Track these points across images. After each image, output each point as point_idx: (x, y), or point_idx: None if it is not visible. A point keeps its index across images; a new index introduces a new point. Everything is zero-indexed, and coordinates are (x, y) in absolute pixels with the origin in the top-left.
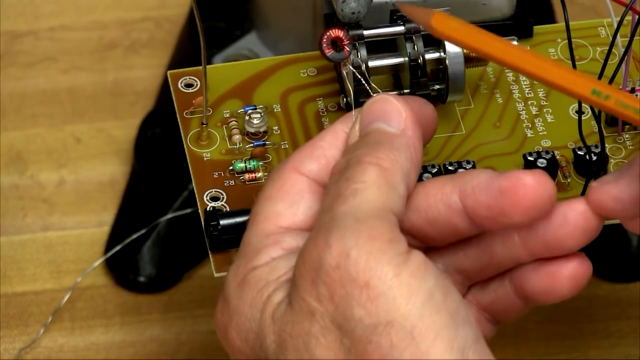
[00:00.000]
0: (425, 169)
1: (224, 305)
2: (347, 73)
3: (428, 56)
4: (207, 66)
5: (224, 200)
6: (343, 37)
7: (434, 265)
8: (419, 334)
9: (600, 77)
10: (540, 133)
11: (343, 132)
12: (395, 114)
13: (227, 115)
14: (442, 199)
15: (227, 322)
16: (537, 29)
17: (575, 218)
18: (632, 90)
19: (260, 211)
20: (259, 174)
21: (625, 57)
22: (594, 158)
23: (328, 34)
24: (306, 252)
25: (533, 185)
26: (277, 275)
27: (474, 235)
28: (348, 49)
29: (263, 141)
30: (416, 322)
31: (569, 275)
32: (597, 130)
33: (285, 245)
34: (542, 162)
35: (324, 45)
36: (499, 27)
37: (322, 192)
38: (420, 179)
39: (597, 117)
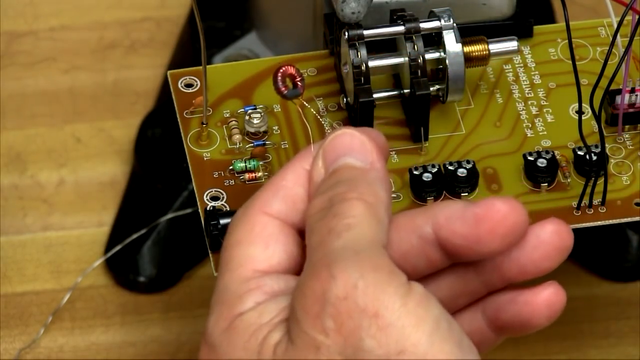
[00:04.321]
0: (425, 169)
1: (210, 352)
2: (346, 73)
3: (428, 56)
4: (207, 66)
5: (224, 200)
6: (295, 74)
7: (434, 296)
8: None
9: (600, 77)
10: (540, 133)
11: (304, 169)
12: (362, 147)
13: (227, 115)
14: (415, 231)
15: None
16: (537, 29)
17: (549, 237)
18: (632, 90)
19: (234, 256)
20: (259, 174)
21: (625, 57)
22: (594, 158)
23: (282, 71)
24: (307, 286)
25: (508, 211)
26: (269, 318)
27: (445, 267)
28: (301, 84)
29: (263, 141)
30: (427, 351)
31: (545, 302)
32: (597, 130)
33: (267, 289)
34: (542, 162)
35: (280, 83)
36: (499, 27)
37: (293, 232)
38: (420, 179)
39: (597, 117)
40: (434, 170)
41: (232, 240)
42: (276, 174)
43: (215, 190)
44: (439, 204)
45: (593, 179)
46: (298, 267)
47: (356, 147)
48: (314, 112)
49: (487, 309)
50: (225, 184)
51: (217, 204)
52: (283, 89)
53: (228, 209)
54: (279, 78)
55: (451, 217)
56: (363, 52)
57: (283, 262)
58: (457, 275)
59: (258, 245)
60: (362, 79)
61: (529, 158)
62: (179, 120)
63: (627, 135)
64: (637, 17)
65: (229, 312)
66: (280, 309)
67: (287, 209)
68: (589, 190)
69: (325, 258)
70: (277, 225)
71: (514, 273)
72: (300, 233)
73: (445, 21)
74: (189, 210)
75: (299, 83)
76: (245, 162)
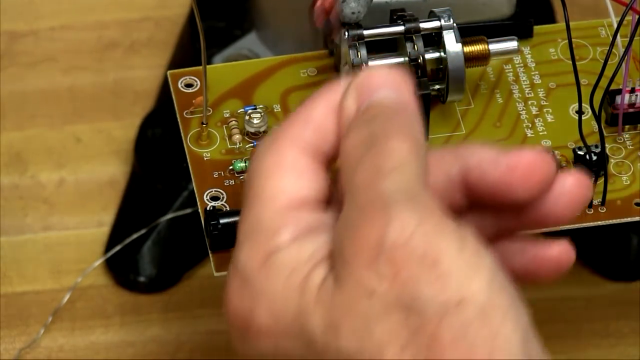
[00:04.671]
0: None
1: (244, 288)
2: (347, 73)
3: (428, 56)
4: (207, 66)
5: (224, 200)
6: (329, 8)
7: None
8: (489, 312)
9: (600, 77)
10: (540, 133)
11: (334, 101)
12: (397, 84)
13: (227, 115)
14: (443, 170)
15: (252, 305)
16: (537, 29)
17: (571, 188)
18: (632, 90)
19: (265, 187)
20: None
21: (625, 57)
22: (594, 158)
23: (319, 2)
24: (359, 229)
25: (541, 161)
26: (309, 255)
27: (463, 211)
28: (334, 20)
29: None
30: (486, 301)
31: (556, 257)
32: (597, 130)
33: (303, 223)
34: None
35: (318, 12)
36: (499, 27)
37: (322, 166)
38: None
39: (597, 117)
40: None
41: (262, 171)
42: (304, 106)
43: (215, 190)
44: (469, 146)
45: (593, 179)
46: (326, 202)
47: (391, 83)
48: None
49: (495, 255)
50: (225, 184)
51: (217, 204)
52: (322, 17)
53: (228, 209)
54: (317, 8)
55: (483, 162)
56: (363, 52)
57: (314, 196)
58: (474, 220)
59: (290, 177)
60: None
61: None
62: (179, 120)
63: (627, 135)
64: (637, 17)
65: (265, 246)
66: (319, 245)
67: (318, 142)
68: None
69: (379, 200)
70: (308, 158)
71: (533, 220)
72: (329, 167)
73: (445, 21)
74: (189, 210)
75: (332, 19)
76: (245, 162)
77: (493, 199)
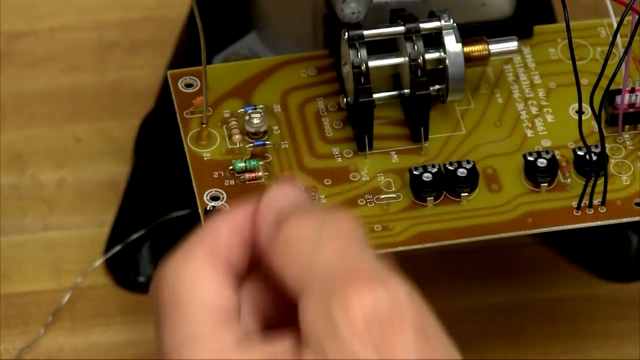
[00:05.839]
0: (425, 169)
1: None
2: (347, 73)
3: (428, 56)
4: (207, 66)
5: (224, 200)
6: None
7: None
8: None
9: (600, 77)
10: (540, 133)
11: (236, 223)
12: (302, 192)
13: (227, 115)
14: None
15: None
16: (537, 29)
17: None
18: (632, 90)
19: (190, 296)
20: (259, 174)
21: (625, 57)
22: (594, 158)
23: None
24: (348, 298)
25: None
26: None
27: None
28: None
29: (263, 141)
30: None
31: None
32: (597, 130)
33: (239, 331)
34: (542, 162)
35: None
36: (499, 27)
37: (233, 280)
38: (420, 179)
39: (597, 117)
40: (434, 170)
41: (180, 286)
42: (208, 229)
43: (215, 190)
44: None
45: (593, 179)
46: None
47: (297, 192)
48: None
49: None
50: (225, 184)
51: (217, 204)
52: None
53: (228, 209)
54: None
55: None
56: (363, 52)
57: (235, 308)
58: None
59: (212, 289)
60: (362, 79)
61: (529, 158)
62: (179, 120)
63: (627, 135)
64: (637, 17)
65: (212, 345)
66: (265, 349)
67: (226, 259)
68: (589, 190)
69: (363, 271)
70: (221, 274)
71: None
72: (237, 280)
73: (445, 21)
74: (188, 210)
75: None
76: (245, 162)
77: None
